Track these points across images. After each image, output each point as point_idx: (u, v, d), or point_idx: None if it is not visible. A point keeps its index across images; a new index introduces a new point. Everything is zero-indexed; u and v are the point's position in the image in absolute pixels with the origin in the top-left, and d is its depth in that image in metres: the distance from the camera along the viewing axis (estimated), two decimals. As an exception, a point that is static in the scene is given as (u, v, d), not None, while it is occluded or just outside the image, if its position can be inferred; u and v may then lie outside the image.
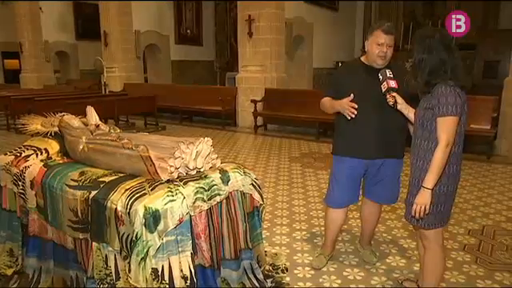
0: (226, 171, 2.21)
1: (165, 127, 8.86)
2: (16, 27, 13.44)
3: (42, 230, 2.39)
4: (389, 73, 2.29)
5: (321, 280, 2.61)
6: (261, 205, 2.43)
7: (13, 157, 2.53)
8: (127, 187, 1.95)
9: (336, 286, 2.55)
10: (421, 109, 2.04)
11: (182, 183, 1.98)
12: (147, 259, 1.78)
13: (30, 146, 2.60)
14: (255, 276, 2.38)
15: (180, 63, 14.20)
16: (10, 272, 2.54)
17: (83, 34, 15.49)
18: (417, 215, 1.98)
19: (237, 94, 8.95)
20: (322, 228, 3.28)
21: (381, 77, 2.30)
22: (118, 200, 1.89)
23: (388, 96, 2.27)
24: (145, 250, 1.77)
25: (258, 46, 8.45)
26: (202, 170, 2.16)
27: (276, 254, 2.90)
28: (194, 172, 2.14)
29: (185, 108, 9.55)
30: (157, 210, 1.79)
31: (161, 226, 1.80)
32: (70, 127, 2.59)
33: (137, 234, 1.78)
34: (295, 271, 2.71)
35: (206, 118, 9.73)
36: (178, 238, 1.88)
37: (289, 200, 4.13)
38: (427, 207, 1.95)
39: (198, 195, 1.98)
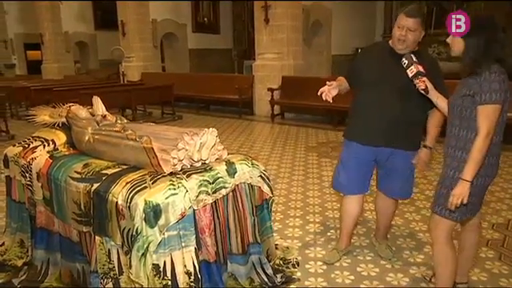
0: (233, 163, 2.13)
1: (181, 116, 8.84)
2: (37, 18, 13.63)
3: (48, 222, 2.37)
4: (414, 57, 2.15)
5: (333, 276, 2.51)
6: (270, 197, 2.34)
7: (21, 148, 2.52)
8: (128, 180, 1.89)
9: (349, 282, 2.45)
10: (458, 96, 1.90)
11: (185, 176, 1.90)
12: (147, 255, 1.72)
13: (37, 137, 2.58)
14: (264, 271, 2.30)
15: (197, 52, 14.11)
16: (20, 263, 2.54)
17: (102, 24, 15.60)
18: (452, 207, 1.88)
19: (253, 82, 8.82)
20: (337, 221, 3.18)
21: (406, 61, 2.14)
22: (118, 193, 1.83)
23: (418, 81, 2.10)
24: (145, 246, 1.71)
25: (275, 33, 8.27)
26: (207, 161, 2.09)
27: (287, 248, 2.81)
28: (198, 164, 2.06)
29: (202, 97, 9.49)
30: (157, 204, 1.73)
31: (162, 221, 1.73)
32: (76, 118, 2.56)
33: (137, 229, 1.72)
34: (307, 266, 2.62)
35: (222, 107, 9.66)
36: (181, 232, 1.82)
37: (303, 191, 4.03)
38: (465, 200, 1.84)
39: (202, 188, 1.91)
